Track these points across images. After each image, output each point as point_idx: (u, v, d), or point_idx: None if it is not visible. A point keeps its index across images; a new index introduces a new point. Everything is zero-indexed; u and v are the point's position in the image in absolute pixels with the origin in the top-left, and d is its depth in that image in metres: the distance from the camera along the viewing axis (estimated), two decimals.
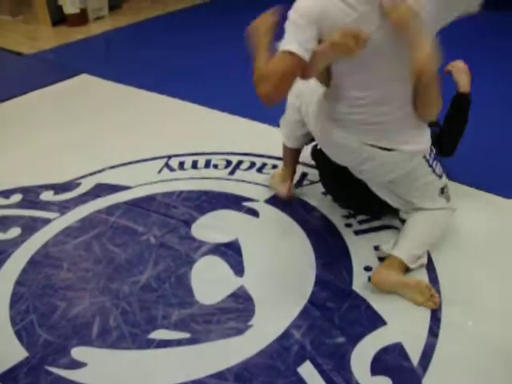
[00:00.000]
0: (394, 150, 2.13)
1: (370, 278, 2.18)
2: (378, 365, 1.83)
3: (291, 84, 1.91)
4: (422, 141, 2.20)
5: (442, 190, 2.34)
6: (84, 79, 4.58)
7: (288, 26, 1.90)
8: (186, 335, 1.99)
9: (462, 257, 2.31)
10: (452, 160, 2.60)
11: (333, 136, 2.19)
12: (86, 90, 4.38)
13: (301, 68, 1.88)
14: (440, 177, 2.32)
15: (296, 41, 1.85)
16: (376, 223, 2.53)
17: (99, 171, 3.07)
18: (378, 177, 2.29)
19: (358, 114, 2.10)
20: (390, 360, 1.85)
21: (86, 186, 2.94)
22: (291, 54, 1.85)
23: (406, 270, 2.20)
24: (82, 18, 6.25)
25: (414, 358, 1.86)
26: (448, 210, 2.36)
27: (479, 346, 1.91)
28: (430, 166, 2.26)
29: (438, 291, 2.12)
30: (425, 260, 2.24)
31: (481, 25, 4.97)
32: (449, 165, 2.55)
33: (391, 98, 2.07)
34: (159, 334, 2.00)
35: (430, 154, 2.26)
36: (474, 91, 2.51)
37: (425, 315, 2.03)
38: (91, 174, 3.04)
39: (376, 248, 2.36)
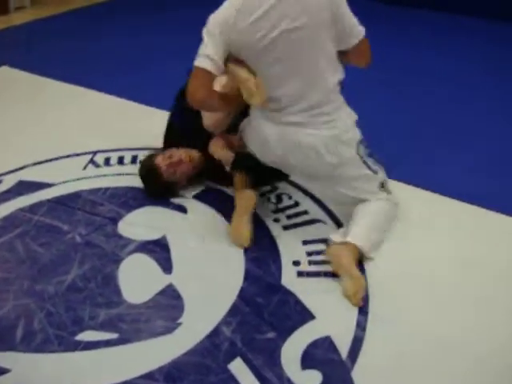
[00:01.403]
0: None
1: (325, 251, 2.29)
2: (308, 359, 1.85)
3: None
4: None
5: (382, 185, 2.41)
6: (5, 71, 4.41)
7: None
8: (114, 335, 1.96)
9: (389, 253, 2.35)
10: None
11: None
12: (7, 82, 4.23)
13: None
14: (376, 173, 2.37)
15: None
16: (304, 218, 2.56)
17: (21, 168, 2.97)
18: (321, 168, 2.31)
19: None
20: (319, 354, 1.87)
21: (7, 183, 2.84)
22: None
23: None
24: (2, 8, 6.02)
25: (343, 351, 1.89)
26: (390, 201, 2.42)
27: (405, 338, 1.96)
28: (364, 162, 2.33)
29: (366, 285, 2.15)
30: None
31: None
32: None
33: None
34: (86, 335, 1.96)
35: (363, 152, 2.33)
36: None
37: (353, 309, 2.06)
38: (13, 171, 2.94)
39: (305, 242, 2.38)
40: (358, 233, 2.27)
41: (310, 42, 2.12)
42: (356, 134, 2.33)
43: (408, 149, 3.14)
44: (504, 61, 4.61)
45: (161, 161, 2.61)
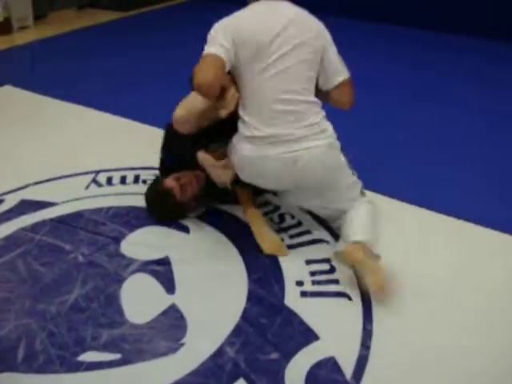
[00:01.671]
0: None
1: (336, 253, 2.29)
2: (312, 380, 1.84)
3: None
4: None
5: (361, 192, 2.49)
6: (7, 91, 4.43)
7: None
8: (116, 356, 1.94)
9: (393, 273, 2.32)
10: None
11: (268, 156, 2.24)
12: (10, 102, 4.24)
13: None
14: (357, 178, 2.47)
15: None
16: (307, 237, 2.56)
17: (23, 187, 2.97)
18: (311, 182, 2.32)
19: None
20: (323, 374, 1.86)
21: (9, 202, 2.83)
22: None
23: None
24: (5, 27, 6.05)
25: (348, 371, 1.88)
26: (371, 203, 2.48)
27: (410, 357, 1.94)
28: (350, 167, 2.42)
29: (369, 306, 2.15)
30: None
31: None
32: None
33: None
34: (89, 356, 1.94)
35: (345, 157, 2.39)
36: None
37: (357, 328, 2.05)
38: (15, 190, 2.93)
39: (308, 262, 2.38)
40: (358, 232, 2.29)
41: (302, 59, 2.21)
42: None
43: (401, 166, 3.19)
44: (496, 79, 4.67)
45: (173, 183, 2.58)
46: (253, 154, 2.24)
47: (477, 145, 3.49)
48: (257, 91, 2.21)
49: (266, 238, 2.46)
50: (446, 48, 5.39)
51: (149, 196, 2.70)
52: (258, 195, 2.71)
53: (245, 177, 2.37)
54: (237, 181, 2.48)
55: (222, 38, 2.14)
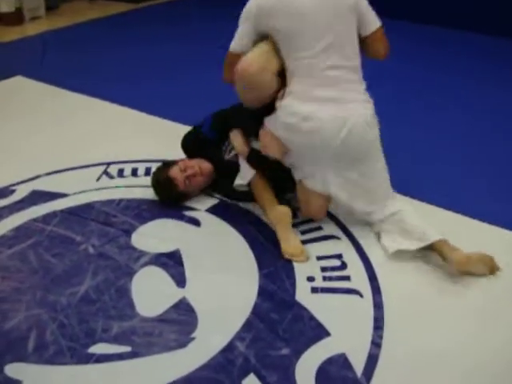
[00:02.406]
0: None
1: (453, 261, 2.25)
2: (323, 376, 1.83)
3: None
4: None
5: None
6: (18, 81, 4.44)
7: None
8: (126, 349, 1.94)
9: (404, 270, 2.34)
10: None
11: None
12: (21, 92, 4.25)
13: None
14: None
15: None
16: (318, 233, 2.54)
17: (35, 178, 2.97)
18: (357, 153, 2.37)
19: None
20: (334, 371, 1.85)
21: (20, 193, 2.84)
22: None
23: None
24: (17, 18, 6.07)
25: (358, 368, 1.86)
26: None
27: (422, 355, 1.93)
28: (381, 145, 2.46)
29: (381, 304, 2.14)
30: None
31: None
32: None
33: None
34: (99, 348, 1.94)
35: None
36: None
37: (367, 325, 2.04)
38: (26, 181, 2.94)
39: (319, 258, 2.37)
40: (433, 231, 2.35)
41: (343, 17, 2.32)
42: None
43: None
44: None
45: (177, 173, 2.64)
46: (305, 117, 2.29)
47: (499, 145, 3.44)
48: (308, 59, 2.29)
49: (292, 243, 2.40)
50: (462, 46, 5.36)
51: (153, 179, 2.77)
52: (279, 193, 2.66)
53: (293, 146, 2.39)
54: (251, 157, 2.56)
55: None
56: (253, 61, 2.30)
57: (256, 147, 2.55)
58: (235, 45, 2.41)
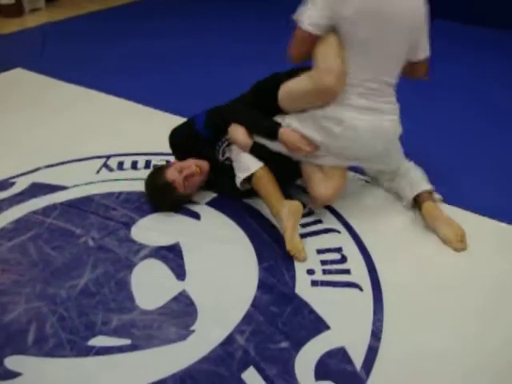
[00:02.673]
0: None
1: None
2: (322, 369, 1.83)
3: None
4: None
5: None
6: (18, 74, 4.43)
7: None
8: (126, 341, 1.94)
9: (404, 263, 2.35)
10: None
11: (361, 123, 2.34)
12: (21, 84, 4.24)
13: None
14: None
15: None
16: (318, 227, 2.54)
17: (35, 170, 2.97)
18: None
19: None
20: (333, 364, 1.85)
21: (20, 185, 2.83)
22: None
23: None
24: (17, 10, 6.06)
25: (358, 361, 1.86)
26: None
27: (422, 348, 1.93)
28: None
29: (380, 297, 2.14)
30: None
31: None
32: None
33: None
34: (99, 341, 1.94)
35: None
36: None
37: (367, 319, 2.04)
38: (26, 173, 2.93)
39: (319, 251, 2.37)
40: (423, 182, 2.59)
41: (401, 34, 2.29)
42: None
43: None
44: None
45: (175, 175, 2.54)
46: (342, 122, 2.34)
47: None
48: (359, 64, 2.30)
49: (296, 239, 2.37)
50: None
51: (149, 187, 2.65)
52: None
53: (324, 147, 2.42)
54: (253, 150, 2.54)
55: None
56: (339, 80, 2.27)
57: (260, 142, 2.53)
58: (312, 24, 2.27)
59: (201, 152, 2.71)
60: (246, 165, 2.53)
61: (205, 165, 2.66)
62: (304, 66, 2.45)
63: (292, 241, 2.34)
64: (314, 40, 2.30)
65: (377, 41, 2.25)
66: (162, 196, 2.61)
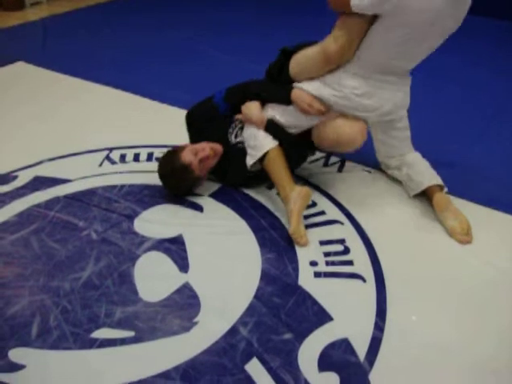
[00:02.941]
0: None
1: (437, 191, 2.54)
2: (326, 361, 1.83)
3: None
4: None
5: None
6: (20, 67, 4.42)
7: None
8: (130, 333, 1.94)
9: (407, 255, 2.34)
10: None
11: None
12: (22, 78, 4.23)
13: None
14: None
15: None
16: (321, 218, 2.54)
17: (37, 163, 2.97)
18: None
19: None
20: (337, 356, 1.85)
21: (23, 178, 2.83)
22: None
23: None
24: (18, 3, 6.05)
25: (361, 353, 1.87)
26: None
27: (423, 340, 1.93)
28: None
29: (383, 288, 2.14)
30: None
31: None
32: None
33: None
34: (102, 333, 1.94)
35: None
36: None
37: (370, 310, 2.04)
38: (29, 167, 2.93)
39: (322, 243, 2.36)
40: (433, 176, 2.60)
41: (440, 31, 2.28)
42: None
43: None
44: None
45: (191, 157, 2.55)
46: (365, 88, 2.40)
47: None
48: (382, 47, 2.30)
49: (300, 224, 2.39)
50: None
51: (163, 169, 2.65)
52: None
53: (338, 107, 2.47)
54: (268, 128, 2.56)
55: None
56: (343, 49, 2.31)
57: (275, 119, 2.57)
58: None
59: (214, 133, 2.72)
60: (261, 143, 2.54)
61: (218, 147, 2.66)
62: (310, 41, 2.52)
63: (296, 225, 2.36)
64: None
65: (417, 37, 2.25)
66: (178, 178, 2.61)
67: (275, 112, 2.58)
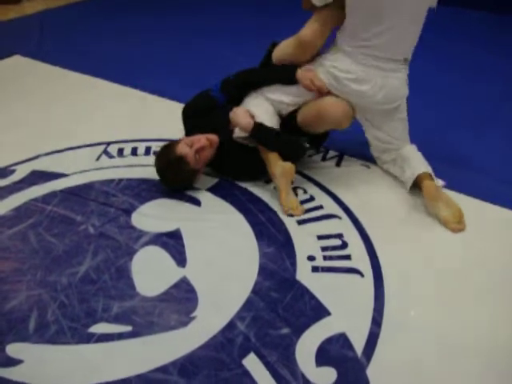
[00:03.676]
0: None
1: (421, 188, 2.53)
2: (323, 355, 1.83)
3: None
4: None
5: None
6: (16, 61, 4.41)
7: None
8: (127, 328, 1.94)
9: (404, 249, 2.34)
10: None
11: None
12: (19, 71, 4.22)
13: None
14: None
15: None
16: (319, 212, 2.54)
17: (34, 158, 2.96)
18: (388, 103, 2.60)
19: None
20: (334, 350, 1.85)
21: (20, 173, 2.82)
22: None
23: None
24: None
25: (358, 347, 1.87)
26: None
27: (421, 335, 1.93)
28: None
29: (381, 283, 2.14)
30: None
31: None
32: None
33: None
34: (100, 328, 1.95)
35: None
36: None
37: (368, 305, 2.04)
38: (26, 161, 2.92)
39: (320, 237, 2.36)
40: (423, 165, 2.60)
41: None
42: None
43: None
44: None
45: (186, 149, 2.54)
46: (354, 78, 2.51)
47: None
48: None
49: (291, 198, 2.55)
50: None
51: (159, 162, 2.64)
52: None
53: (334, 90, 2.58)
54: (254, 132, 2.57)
55: None
56: (314, 36, 2.53)
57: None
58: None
59: (210, 125, 2.71)
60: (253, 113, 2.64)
61: (214, 138, 2.64)
62: None
63: (286, 200, 2.51)
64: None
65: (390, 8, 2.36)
66: (174, 171, 2.59)
67: (280, 93, 2.67)
